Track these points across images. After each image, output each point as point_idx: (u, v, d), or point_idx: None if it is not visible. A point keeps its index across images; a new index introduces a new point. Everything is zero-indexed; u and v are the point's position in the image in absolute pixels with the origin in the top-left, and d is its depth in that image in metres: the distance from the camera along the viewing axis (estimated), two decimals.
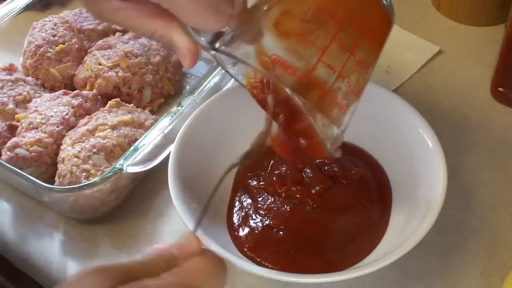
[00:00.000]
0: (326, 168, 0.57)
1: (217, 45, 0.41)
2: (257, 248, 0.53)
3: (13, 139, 0.60)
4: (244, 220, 0.55)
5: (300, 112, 0.46)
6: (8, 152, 0.59)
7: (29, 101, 0.65)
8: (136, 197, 0.61)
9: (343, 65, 0.41)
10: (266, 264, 0.52)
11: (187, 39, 0.41)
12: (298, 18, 0.41)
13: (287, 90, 0.39)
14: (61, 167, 0.58)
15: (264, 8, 0.42)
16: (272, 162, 0.59)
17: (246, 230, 0.54)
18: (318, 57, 0.40)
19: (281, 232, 0.54)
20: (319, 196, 0.55)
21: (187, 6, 0.37)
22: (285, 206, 0.55)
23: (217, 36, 0.41)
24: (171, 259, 0.35)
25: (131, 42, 0.69)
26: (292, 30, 0.40)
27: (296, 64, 0.40)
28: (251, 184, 0.58)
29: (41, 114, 0.62)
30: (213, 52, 0.42)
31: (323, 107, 0.41)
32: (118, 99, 0.64)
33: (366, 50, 0.43)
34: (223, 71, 0.48)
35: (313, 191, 0.55)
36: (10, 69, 0.68)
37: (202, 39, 0.41)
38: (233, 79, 0.63)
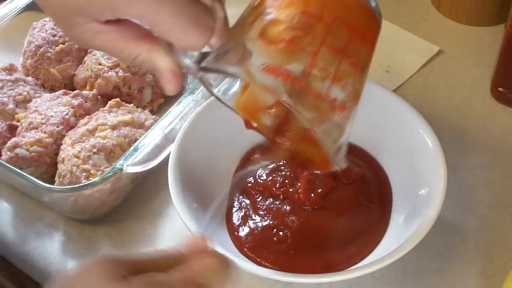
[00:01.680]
0: None
1: (203, 64, 0.40)
2: (257, 248, 0.53)
3: (13, 139, 0.60)
4: (244, 220, 0.55)
5: (299, 129, 0.46)
6: (8, 152, 0.59)
7: (29, 101, 0.65)
8: (136, 197, 0.61)
9: (337, 67, 0.40)
10: (266, 264, 0.52)
11: (170, 61, 0.40)
12: (284, 25, 0.40)
13: (284, 99, 0.38)
14: (61, 167, 0.58)
15: (248, 21, 0.41)
16: (272, 165, 0.58)
17: (246, 230, 0.54)
18: (311, 61, 0.39)
19: (281, 232, 0.54)
20: (322, 198, 0.55)
21: (169, 20, 0.36)
22: (285, 207, 0.55)
23: (203, 57, 0.40)
24: (178, 257, 0.36)
25: None
26: (280, 37, 0.40)
27: (289, 68, 0.39)
28: (248, 185, 0.58)
29: (41, 114, 0.62)
30: (200, 74, 0.41)
31: (322, 114, 0.40)
32: (118, 99, 0.64)
33: (358, 52, 0.42)
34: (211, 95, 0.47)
35: (316, 192, 0.55)
36: (10, 69, 0.68)
37: (188, 60, 0.40)
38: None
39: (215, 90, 0.45)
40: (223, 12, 0.40)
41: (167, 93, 0.43)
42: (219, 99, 0.47)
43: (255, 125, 0.49)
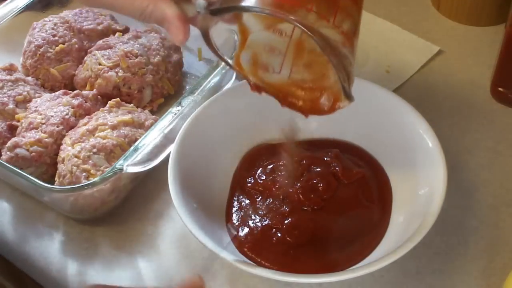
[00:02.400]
0: (327, 167, 0.57)
1: (212, 7, 0.41)
2: (257, 248, 0.53)
3: (13, 139, 0.60)
4: (244, 220, 0.55)
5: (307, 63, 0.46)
6: (8, 152, 0.59)
7: (29, 101, 0.65)
8: (136, 197, 0.61)
9: None
10: (266, 264, 0.52)
11: (178, 8, 0.41)
12: None
13: (298, 25, 0.39)
14: (61, 167, 0.58)
15: None
16: (272, 165, 0.58)
17: (246, 230, 0.54)
18: None
19: (280, 232, 0.54)
20: (322, 199, 0.55)
21: None
22: (284, 207, 0.55)
23: (209, 4, 0.41)
24: None
25: (131, 42, 0.69)
26: None
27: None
28: (248, 185, 0.58)
29: (41, 114, 0.62)
30: (206, 25, 0.42)
31: (335, 40, 0.41)
32: (118, 99, 0.64)
33: None
34: (217, 58, 0.47)
35: (317, 192, 0.55)
36: (10, 69, 0.68)
37: (200, 4, 0.41)
38: (232, 80, 0.63)
39: (217, 48, 0.46)
40: None
41: (177, 42, 0.44)
42: (224, 60, 0.48)
43: (260, 84, 0.49)
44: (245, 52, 0.49)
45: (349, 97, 0.44)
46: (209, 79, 0.63)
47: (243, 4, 0.40)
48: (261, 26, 0.49)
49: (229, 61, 0.48)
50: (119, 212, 0.60)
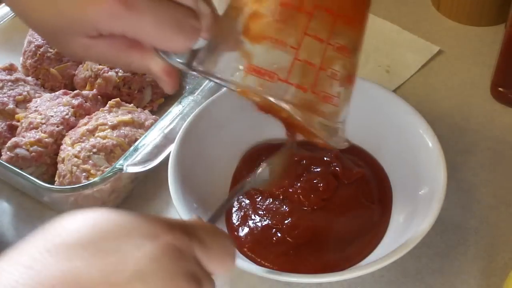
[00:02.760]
0: (327, 167, 0.57)
1: (194, 64, 0.40)
2: (257, 248, 0.53)
3: (13, 139, 0.60)
4: (244, 220, 0.55)
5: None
6: (8, 152, 0.59)
7: (29, 101, 0.65)
8: (136, 197, 0.61)
9: (322, 56, 0.40)
10: (266, 264, 0.52)
11: (162, 64, 0.41)
12: (266, 20, 0.39)
13: (270, 99, 0.38)
14: (61, 167, 0.58)
15: (234, 15, 0.41)
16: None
17: (246, 230, 0.54)
18: (294, 56, 0.39)
19: (280, 232, 0.54)
20: (323, 200, 0.55)
21: (151, 31, 0.37)
22: (284, 207, 0.55)
23: (193, 54, 0.40)
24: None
25: None
26: (261, 34, 0.39)
27: (272, 68, 0.38)
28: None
29: (41, 114, 0.62)
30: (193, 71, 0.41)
31: (312, 106, 0.40)
32: (118, 99, 0.64)
33: (345, 35, 0.41)
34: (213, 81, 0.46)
35: (317, 192, 0.55)
36: (10, 69, 0.68)
37: (179, 60, 0.40)
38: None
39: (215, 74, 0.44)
40: (208, 7, 0.40)
41: (167, 92, 0.43)
42: (222, 84, 0.46)
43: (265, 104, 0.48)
44: (251, 76, 0.48)
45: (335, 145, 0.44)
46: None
47: (219, 74, 0.39)
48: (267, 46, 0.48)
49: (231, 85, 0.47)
50: None
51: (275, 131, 0.61)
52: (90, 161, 0.57)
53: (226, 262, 0.36)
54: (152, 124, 0.61)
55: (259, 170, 0.48)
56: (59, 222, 0.33)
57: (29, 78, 0.69)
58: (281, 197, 0.56)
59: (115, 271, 0.30)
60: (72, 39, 0.38)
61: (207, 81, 0.63)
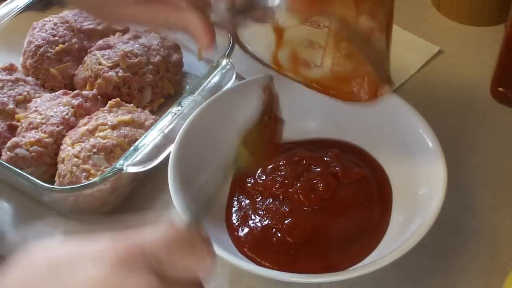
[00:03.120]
0: (327, 167, 0.57)
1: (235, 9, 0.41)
2: (257, 248, 0.53)
3: (13, 139, 0.60)
4: (244, 220, 0.55)
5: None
6: (8, 152, 0.59)
7: (29, 101, 0.65)
8: (136, 197, 0.61)
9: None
10: (266, 264, 0.52)
11: (201, 15, 0.41)
12: None
13: None
14: (61, 167, 0.58)
15: None
16: (272, 165, 0.58)
17: (246, 230, 0.54)
18: None
19: (280, 232, 0.54)
20: (323, 200, 0.55)
21: None
22: (284, 207, 0.55)
23: (232, 4, 0.41)
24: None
25: (131, 42, 0.68)
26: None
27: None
28: (248, 185, 0.57)
29: (41, 114, 0.62)
30: (232, 23, 0.41)
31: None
32: (118, 99, 0.64)
33: None
34: (244, 52, 0.46)
35: (316, 192, 0.55)
36: (10, 69, 0.68)
37: (220, 7, 0.40)
38: (232, 80, 0.63)
39: (249, 48, 0.45)
40: None
41: (204, 49, 0.44)
42: (261, 61, 0.46)
43: (303, 80, 0.48)
44: (283, 50, 0.47)
45: (389, 82, 0.43)
46: (209, 79, 0.63)
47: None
48: (297, 21, 0.47)
49: (267, 61, 0.47)
50: (119, 212, 0.60)
51: None
52: (90, 161, 0.57)
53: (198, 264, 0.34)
54: (152, 124, 0.61)
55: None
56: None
57: (29, 78, 0.69)
58: (281, 197, 0.56)
59: None
60: (120, 8, 0.41)
61: (207, 81, 0.63)
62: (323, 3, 0.47)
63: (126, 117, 0.61)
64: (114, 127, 0.59)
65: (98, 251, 0.32)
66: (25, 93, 0.66)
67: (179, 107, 0.60)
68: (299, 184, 0.56)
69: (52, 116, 0.61)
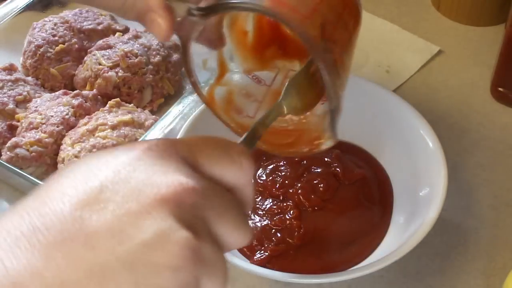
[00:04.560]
0: (327, 168, 0.57)
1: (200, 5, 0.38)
2: (257, 248, 0.53)
3: (13, 139, 0.60)
4: None
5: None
6: (8, 152, 0.59)
7: (29, 101, 0.65)
8: None
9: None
10: (266, 264, 0.52)
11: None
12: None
13: (297, 33, 0.36)
14: (61, 167, 0.58)
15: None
16: (272, 165, 0.58)
17: None
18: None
19: (280, 232, 0.54)
20: (323, 200, 0.55)
21: None
22: (284, 207, 0.55)
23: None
24: None
25: (131, 42, 0.68)
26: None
27: (294, 3, 0.36)
28: None
29: (41, 114, 0.62)
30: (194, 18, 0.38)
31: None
32: (118, 99, 0.64)
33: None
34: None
35: (317, 193, 0.55)
36: (10, 69, 0.68)
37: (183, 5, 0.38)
38: None
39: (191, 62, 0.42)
40: None
41: (160, 38, 0.40)
42: (196, 85, 0.44)
43: (231, 123, 0.46)
44: (221, 87, 0.46)
45: (335, 135, 0.41)
46: None
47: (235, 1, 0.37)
48: (241, 69, 0.46)
49: (202, 89, 0.44)
50: None
51: None
52: None
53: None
54: (152, 124, 0.61)
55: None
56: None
57: (29, 78, 0.69)
58: (281, 197, 0.56)
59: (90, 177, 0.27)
60: None
61: None
62: (268, 62, 0.46)
63: (126, 117, 0.61)
64: (114, 127, 0.59)
65: (130, 144, 0.29)
66: (25, 93, 0.66)
67: (179, 107, 0.60)
68: (299, 185, 0.56)
69: (52, 116, 0.61)
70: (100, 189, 0.26)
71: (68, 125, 0.61)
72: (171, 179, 0.27)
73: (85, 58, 0.69)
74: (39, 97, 0.66)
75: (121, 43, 0.68)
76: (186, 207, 0.26)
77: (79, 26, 0.72)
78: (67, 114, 0.62)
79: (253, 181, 0.32)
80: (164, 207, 0.26)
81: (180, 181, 0.26)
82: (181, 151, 0.29)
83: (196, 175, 0.28)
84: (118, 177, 0.26)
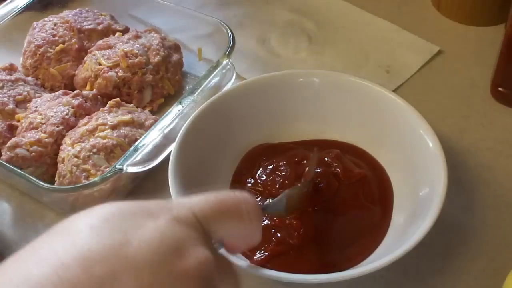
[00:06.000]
0: (328, 168, 0.57)
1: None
2: (257, 248, 0.53)
3: (13, 139, 0.60)
4: None
5: None
6: (8, 152, 0.59)
7: (29, 101, 0.65)
8: (136, 197, 0.61)
9: None
10: (266, 264, 0.52)
11: None
12: None
13: None
14: (61, 167, 0.58)
15: None
16: (272, 165, 0.58)
17: None
18: None
19: (280, 232, 0.54)
20: (323, 200, 0.55)
21: None
22: None
23: None
24: None
25: (131, 42, 0.68)
26: None
27: None
28: (248, 185, 0.57)
29: (41, 114, 0.62)
30: None
31: None
32: (118, 99, 0.64)
33: None
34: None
35: (317, 193, 0.55)
36: (10, 69, 0.68)
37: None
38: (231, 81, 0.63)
39: None
40: None
41: None
42: None
43: None
44: None
45: None
46: (209, 79, 0.63)
47: None
48: None
49: None
50: None
51: (275, 131, 0.62)
52: (90, 161, 0.57)
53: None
54: (152, 124, 0.61)
55: (276, 198, 0.49)
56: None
57: (29, 78, 0.69)
58: None
59: (122, 246, 0.31)
60: None
61: (207, 81, 0.63)
62: None
63: (126, 117, 0.61)
64: (114, 127, 0.59)
65: (155, 204, 0.35)
66: (25, 93, 0.66)
67: (179, 107, 0.60)
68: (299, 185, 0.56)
69: (52, 116, 0.61)
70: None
71: (68, 125, 0.61)
72: (196, 254, 0.31)
73: (85, 58, 0.69)
74: (39, 97, 0.66)
75: (121, 43, 0.68)
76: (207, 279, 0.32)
77: (79, 26, 0.72)
78: (67, 114, 0.62)
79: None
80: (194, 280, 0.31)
81: (205, 255, 0.32)
82: (199, 220, 0.34)
83: (213, 246, 0.34)
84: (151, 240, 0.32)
